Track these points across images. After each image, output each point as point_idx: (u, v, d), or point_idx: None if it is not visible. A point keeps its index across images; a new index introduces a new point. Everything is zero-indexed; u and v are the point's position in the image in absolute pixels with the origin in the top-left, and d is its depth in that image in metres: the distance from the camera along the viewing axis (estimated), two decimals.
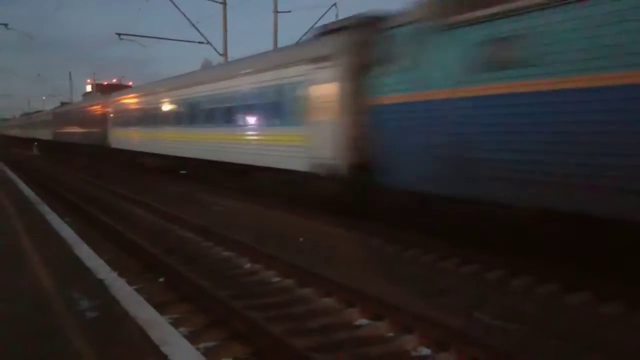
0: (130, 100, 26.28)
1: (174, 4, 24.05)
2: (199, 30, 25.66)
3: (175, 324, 5.63)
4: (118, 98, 28.64)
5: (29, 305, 5.29)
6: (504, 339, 5.56)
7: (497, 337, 5.61)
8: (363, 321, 6.20)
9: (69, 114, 41.57)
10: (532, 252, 7.90)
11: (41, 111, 69.22)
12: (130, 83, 54.84)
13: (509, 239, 8.18)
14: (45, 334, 4.59)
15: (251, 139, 14.63)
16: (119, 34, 25.96)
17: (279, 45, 24.56)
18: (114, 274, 6.53)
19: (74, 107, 42.16)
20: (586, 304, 6.68)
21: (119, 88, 46.10)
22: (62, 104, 59.49)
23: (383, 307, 6.27)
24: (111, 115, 29.10)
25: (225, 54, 25.42)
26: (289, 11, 26.44)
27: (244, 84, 14.90)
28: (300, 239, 10.34)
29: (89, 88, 64.92)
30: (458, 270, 8.27)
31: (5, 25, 26.54)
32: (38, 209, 11.62)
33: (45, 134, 53.12)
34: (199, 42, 26.00)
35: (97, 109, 32.19)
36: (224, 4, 25.54)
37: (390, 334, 5.83)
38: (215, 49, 25.84)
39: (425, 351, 5.46)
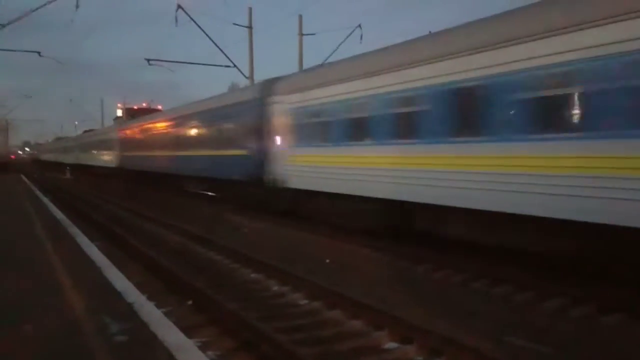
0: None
1: (201, 29, 24.54)
2: (225, 55, 26.12)
3: (204, 347, 5.63)
4: (316, 78, 13.67)
5: (60, 328, 5.36)
6: None
7: None
8: (392, 344, 6.11)
9: (161, 128, 26.56)
10: (565, 271, 7.73)
11: (92, 130, 55.47)
12: (160, 107, 55.83)
13: (541, 258, 8.03)
14: (76, 357, 4.64)
15: None
16: (148, 60, 26.57)
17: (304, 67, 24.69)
18: (143, 297, 6.59)
19: (173, 115, 25.35)
20: (622, 325, 6.48)
21: (149, 112, 46.36)
22: (126, 113, 43.26)
23: (412, 329, 6.17)
24: (290, 122, 14.37)
25: (251, 77, 25.77)
26: (314, 34, 26.59)
27: None
28: (327, 261, 10.30)
29: (119, 112, 66.16)
30: (489, 291, 8.12)
31: (38, 52, 27.39)
32: (69, 232, 11.85)
33: (102, 160, 39.31)
34: (225, 66, 26.42)
35: (237, 114, 17.38)
36: (250, 28, 25.98)
37: (420, 358, 5.72)
38: (241, 72, 26.24)
39: None
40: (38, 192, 25.14)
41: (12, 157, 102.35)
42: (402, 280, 8.77)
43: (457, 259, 9.38)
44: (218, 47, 25.36)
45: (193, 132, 21.91)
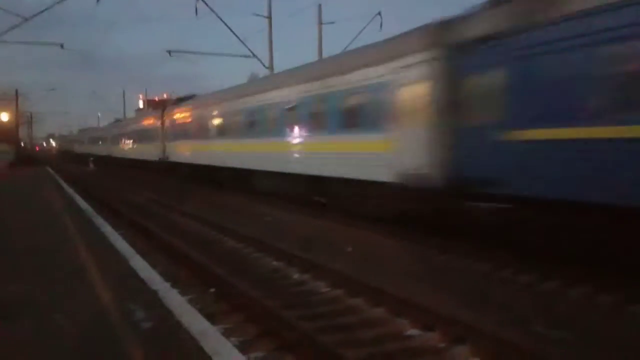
0: None
1: (221, 20, 24.59)
2: (245, 45, 26.11)
3: (227, 334, 5.68)
4: None
5: (88, 315, 5.48)
6: (563, 352, 5.35)
7: (555, 350, 5.40)
8: (414, 331, 6.10)
9: None
10: (592, 260, 7.61)
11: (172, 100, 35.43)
12: None
13: (567, 246, 7.92)
14: (103, 343, 4.74)
15: None
16: (169, 51, 26.71)
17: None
18: (167, 285, 6.69)
19: None
20: None
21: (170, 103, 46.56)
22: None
23: (434, 317, 6.15)
24: None
25: (271, 67, 25.78)
26: (333, 22, 26.46)
27: None
28: (349, 249, 10.30)
29: (141, 104, 66.82)
30: (514, 279, 8.04)
31: (61, 45, 27.72)
32: (94, 222, 12.05)
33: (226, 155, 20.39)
34: (245, 56, 26.45)
35: None
36: (270, 18, 25.95)
37: (442, 345, 5.71)
38: (261, 62, 26.25)
39: None
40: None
41: (37, 148, 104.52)
42: (425, 269, 8.74)
43: (481, 248, 9.29)
44: (238, 37, 25.38)
45: None
